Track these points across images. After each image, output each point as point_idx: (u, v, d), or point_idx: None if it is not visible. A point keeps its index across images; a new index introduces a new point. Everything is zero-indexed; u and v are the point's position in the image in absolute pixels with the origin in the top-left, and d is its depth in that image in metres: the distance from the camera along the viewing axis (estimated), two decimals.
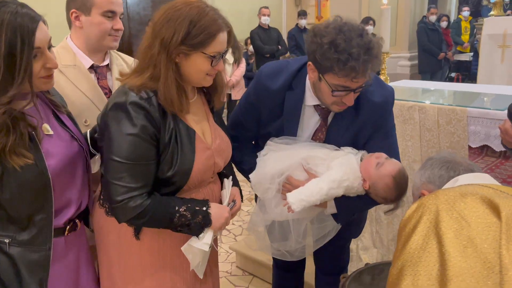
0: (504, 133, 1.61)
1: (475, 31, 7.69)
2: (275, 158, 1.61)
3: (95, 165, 1.53)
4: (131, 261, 1.47)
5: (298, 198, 1.50)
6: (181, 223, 1.38)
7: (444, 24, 7.98)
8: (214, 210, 1.44)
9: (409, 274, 0.86)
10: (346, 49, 1.34)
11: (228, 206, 1.53)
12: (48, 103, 1.37)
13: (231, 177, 1.62)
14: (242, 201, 1.66)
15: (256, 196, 1.86)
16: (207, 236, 1.43)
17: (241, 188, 1.71)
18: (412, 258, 0.88)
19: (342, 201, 1.57)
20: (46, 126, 1.30)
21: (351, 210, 1.63)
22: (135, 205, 1.32)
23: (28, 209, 1.24)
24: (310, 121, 1.64)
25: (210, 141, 1.50)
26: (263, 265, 2.89)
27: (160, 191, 1.40)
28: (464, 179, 1.13)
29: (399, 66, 8.46)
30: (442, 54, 7.60)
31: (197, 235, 1.42)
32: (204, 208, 1.42)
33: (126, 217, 1.35)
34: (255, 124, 1.72)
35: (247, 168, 1.71)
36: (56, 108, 1.39)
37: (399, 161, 1.61)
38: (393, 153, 1.62)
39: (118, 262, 1.48)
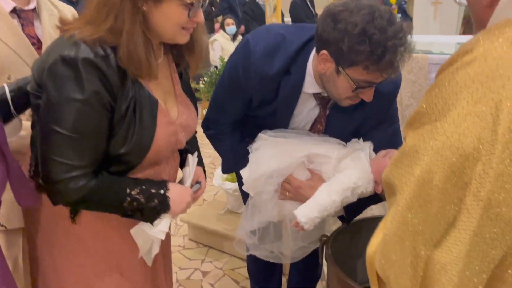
0: None
1: None
2: (271, 154, 1.39)
3: (14, 131, 1.22)
4: (69, 246, 1.22)
5: (310, 217, 1.31)
6: (132, 208, 1.14)
7: None
8: (174, 193, 1.20)
9: None
10: (381, 41, 1.13)
11: (191, 188, 1.30)
12: None
13: (196, 153, 1.38)
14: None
15: (243, 193, 1.66)
16: (163, 223, 1.20)
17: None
18: None
19: (350, 205, 1.40)
20: None
21: (359, 211, 1.47)
22: (77, 187, 1.07)
23: None
24: (306, 109, 1.42)
25: (175, 114, 1.24)
26: (218, 235, 2.72)
27: (108, 169, 1.15)
28: None
29: None
30: None
31: (151, 222, 1.19)
32: (162, 191, 1.18)
33: (64, 200, 1.10)
34: (243, 109, 1.47)
35: (241, 162, 1.50)
36: None
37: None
38: (398, 138, 1.48)
39: (50, 249, 1.23)
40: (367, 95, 1.27)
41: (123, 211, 1.15)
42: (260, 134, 1.44)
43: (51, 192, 1.11)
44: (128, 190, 1.13)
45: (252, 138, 1.52)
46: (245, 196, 1.82)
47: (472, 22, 0.81)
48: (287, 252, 1.58)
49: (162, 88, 1.22)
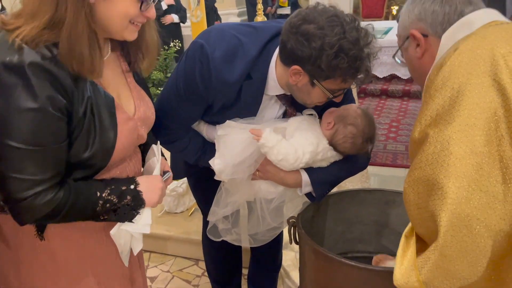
0: None
1: None
2: (243, 140, 1.38)
3: None
4: (38, 261, 1.12)
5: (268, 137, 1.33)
6: (106, 210, 1.08)
7: None
8: (144, 185, 1.15)
9: None
10: (357, 54, 1.16)
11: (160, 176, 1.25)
12: None
13: (158, 142, 1.33)
14: None
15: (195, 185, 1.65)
16: (145, 216, 1.15)
17: None
18: None
19: (316, 175, 1.43)
20: None
21: (328, 183, 1.48)
22: (45, 201, 0.98)
23: None
24: (270, 110, 1.43)
25: (131, 108, 1.18)
26: (159, 238, 2.64)
27: (71, 176, 1.06)
28: (478, 18, 0.99)
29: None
30: (268, 8, 7.97)
31: (129, 220, 1.13)
32: (132, 186, 1.12)
33: (33, 217, 1.01)
34: (200, 114, 1.43)
35: (207, 155, 1.47)
36: None
37: None
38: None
39: (17, 266, 1.13)
40: (339, 98, 1.33)
41: (97, 216, 1.08)
42: (227, 122, 1.41)
43: (15, 212, 1.00)
44: (98, 193, 1.06)
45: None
46: (195, 189, 1.79)
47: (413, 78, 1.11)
48: (256, 235, 1.60)
49: (115, 83, 1.15)
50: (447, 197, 0.79)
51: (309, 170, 1.43)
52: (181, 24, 6.25)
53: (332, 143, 1.42)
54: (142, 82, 1.28)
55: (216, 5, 6.98)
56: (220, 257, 1.96)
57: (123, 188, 1.10)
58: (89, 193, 1.05)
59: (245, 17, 8.40)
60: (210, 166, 1.44)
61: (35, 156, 0.96)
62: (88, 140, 1.03)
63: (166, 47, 3.43)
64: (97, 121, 1.04)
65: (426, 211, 0.84)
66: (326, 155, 1.42)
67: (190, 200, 2.75)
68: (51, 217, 1.01)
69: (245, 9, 8.18)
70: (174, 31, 5.93)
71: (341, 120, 1.40)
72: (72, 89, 0.98)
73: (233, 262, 2.00)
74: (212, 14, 6.44)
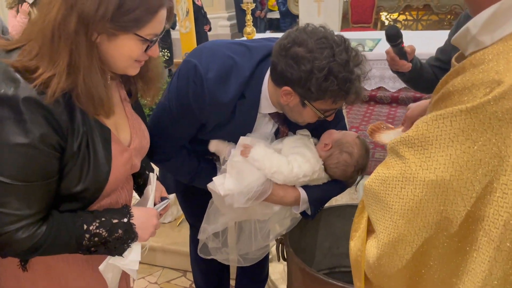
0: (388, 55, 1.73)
1: None
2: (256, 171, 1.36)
3: None
4: None
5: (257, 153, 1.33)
6: (95, 244, 1.05)
7: None
8: (139, 219, 1.11)
9: None
10: (347, 77, 1.16)
11: (155, 207, 1.23)
12: None
13: (155, 171, 1.31)
14: None
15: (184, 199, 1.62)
16: (134, 252, 1.10)
17: None
18: None
19: (313, 193, 1.42)
20: None
21: (322, 201, 1.48)
22: (25, 237, 0.95)
23: None
24: (264, 128, 1.43)
25: (127, 138, 1.16)
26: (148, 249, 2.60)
27: (61, 208, 1.04)
28: None
29: (220, 27, 8.56)
30: (258, 12, 7.97)
31: (120, 254, 1.09)
32: (125, 220, 1.08)
33: (13, 252, 0.99)
34: (193, 133, 1.42)
35: (205, 174, 1.45)
36: None
37: None
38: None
39: None
40: (330, 117, 1.33)
41: (84, 249, 1.05)
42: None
43: None
44: (85, 227, 1.03)
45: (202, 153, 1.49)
46: (185, 204, 1.78)
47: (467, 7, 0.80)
48: (246, 254, 1.59)
49: (114, 111, 1.11)
50: None
51: (306, 188, 1.43)
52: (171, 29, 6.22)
53: (323, 165, 1.43)
54: (139, 108, 1.27)
55: (205, 8, 6.96)
56: (208, 268, 1.95)
57: (115, 221, 1.07)
58: (74, 226, 1.02)
59: (234, 21, 8.39)
60: (208, 189, 1.40)
61: (22, 191, 0.94)
62: (81, 174, 1.01)
63: None
64: (91, 155, 1.02)
65: None
66: (321, 175, 1.42)
67: (178, 210, 2.73)
68: (31, 252, 0.99)
69: (235, 13, 8.17)
70: (163, 36, 5.89)
71: (338, 146, 1.41)
72: (67, 124, 0.96)
73: (221, 274, 2.00)
74: (201, 18, 6.41)
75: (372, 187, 0.78)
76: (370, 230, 0.83)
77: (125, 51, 1.00)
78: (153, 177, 1.28)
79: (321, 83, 1.16)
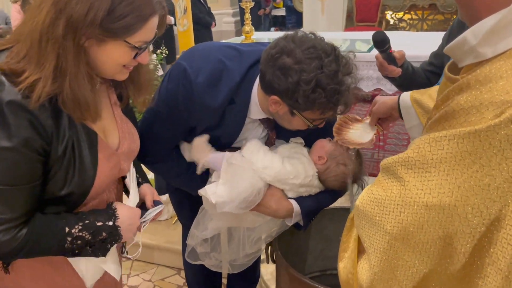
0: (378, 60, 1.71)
1: None
2: (251, 175, 1.35)
3: None
4: None
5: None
6: (78, 247, 1.04)
7: None
8: (125, 221, 1.11)
9: None
10: (336, 89, 1.13)
11: (148, 211, 1.23)
12: None
13: (132, 169, 1.29)
14: None
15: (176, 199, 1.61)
16: (112, 253, 1.13)
17: None
18: None
19: (305, 205, 1.41)
20: None
21: (315, 212, 1.47)
22: (6, 239, 0.95)
23: None
24: (252, 133, 1.42)
25: (115, 141, 1.15)
26: (142, 246, 2.59)
27: (46, 210, 1.04)
28: None
29: (224, 23, 8.54)
30: (261, 10, 7.95)
31: (103, 255, 1.10)
32: (110, 223, 1.08)
33: None
34: (182, 136, 1.42)
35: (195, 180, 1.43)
36: None
37: None
38: None
39: None
40: (321, 125, 1.31)
41: (66, 252, 1.04)
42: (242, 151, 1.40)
43: None
44: (67, 229, 1.02)
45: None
46: (178, 205, 1.77)
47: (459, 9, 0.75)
48: (235, 261, 1.58)
49: (102, 116, 1.10)
50: None
51: (298, 200, 1.42)
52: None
53: (321, 178, 1.42)
54: (130, 112, 1.26)
55: (210, 5, 6.93)
56: (200, 268, 1.94)
57: (99, 224, 1.06)
58: (56, 229, 1.01)
59: (239, 18, 8.37)
60: (199, 194, 1.39)
61: (5, 195, 0.93)
62: (67, 178, 1.01)
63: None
64: (77, 159, 1.02)
65: None
66: (313, 183, 1.41)
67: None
68: (13, 255, 0.99)
69: (238, 9, 8.15)
70: (166, 33, 5.89)
71: (334, 158, 1.40)
72: (52, 129, 0.96)
73: (213, 273, 1.99)
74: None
75: (365, 209, 0.74)
76: (360, 250, 0.79)
77: (114, 57, 1.00)
78: (132, 176, 1.26)
79: (309, 95, 1.14)
